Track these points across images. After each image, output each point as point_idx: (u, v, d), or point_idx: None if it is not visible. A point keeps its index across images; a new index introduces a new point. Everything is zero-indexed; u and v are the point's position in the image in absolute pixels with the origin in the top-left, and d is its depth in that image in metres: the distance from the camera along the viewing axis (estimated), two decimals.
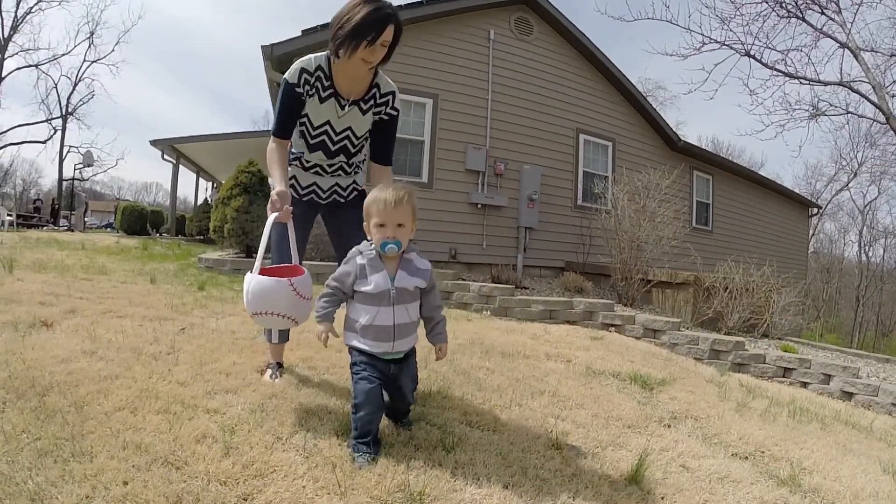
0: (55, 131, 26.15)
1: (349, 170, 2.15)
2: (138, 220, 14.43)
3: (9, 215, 14.65)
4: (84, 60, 26.39)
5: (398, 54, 2.00)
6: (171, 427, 1.53)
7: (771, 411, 3.09)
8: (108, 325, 2.65)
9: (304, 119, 1.98)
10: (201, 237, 13.21)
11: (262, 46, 6.76)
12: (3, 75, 23.80)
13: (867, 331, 28.65)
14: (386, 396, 1.66)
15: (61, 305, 2.98)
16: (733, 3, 7.40)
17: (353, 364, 1.65)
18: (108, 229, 21.96)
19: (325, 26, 7.03)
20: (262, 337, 2.74)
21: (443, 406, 2.09)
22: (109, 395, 1.71)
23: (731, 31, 7.90)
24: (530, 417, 2.15)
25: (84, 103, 26.93)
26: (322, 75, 1.92)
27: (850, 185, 28.72)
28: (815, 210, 17.75)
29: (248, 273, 1.76)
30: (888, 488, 2.14)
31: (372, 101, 2.01)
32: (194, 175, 18.38)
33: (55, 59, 25.41)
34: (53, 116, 26.16)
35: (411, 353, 1.74)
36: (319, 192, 2.15)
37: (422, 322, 1.75)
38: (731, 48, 7.54)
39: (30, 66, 24.96)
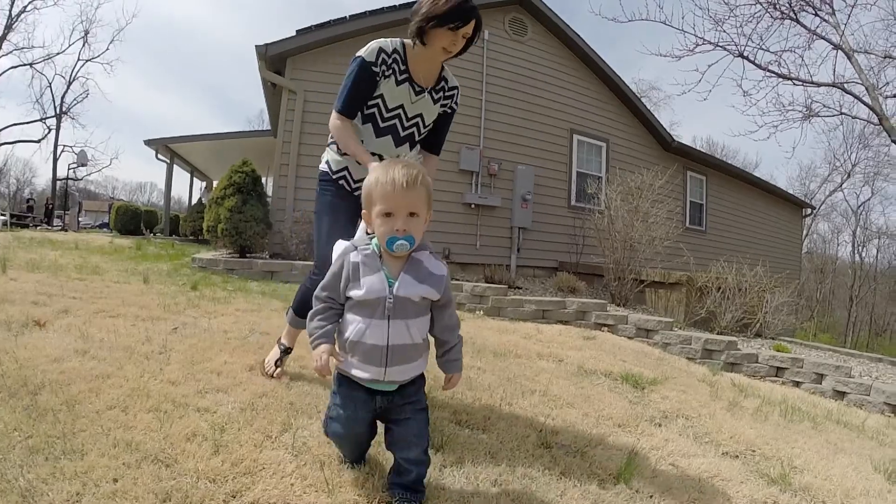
0: (49, 130, 26.15)
1: None
2: (132, 220, 14.41)
3: (2, 215, 14.57)
4: (78, 59, 26.58)
5: None
6: (161, 425, 1.54)
7: (762, 410, 3.10)
8: (101, 324, 2.65)
9: (378, 101, 1.94)
10: (195, 237, 13.17)
11: (256, 46, 6.76)
12: None
13: (860, 331, 28.90)
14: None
15: (54, 305, 2.98)
16: (727, 4, 7.43)
17: (332, 393, 1.39)
18: (103, 229, 21.85)
19: (319, 26, 7.04)
20: (253, 337, 2.75)
21: (433, 405, 2.09)
22: (101, 393, 1.72)
23: (724, 32, 7.92)
24: (520, 416, 2.16)
25: (78, 102, 26.98)
26: (399, 58, 1.93)
27: (843, 185, 29.05)
28: (809, 210, 17.92)
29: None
30: (879, 487, 2.14)
31: (441, 93, 2.05)
32: (188, 175, 18.32)
33: (49, 57, 25.42)
34: (48, 115, 26.16)
35: (413, 385, 1.36)
36: None
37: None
38: (725, 49, 7.57)
39: (24, 64, 24.93)
